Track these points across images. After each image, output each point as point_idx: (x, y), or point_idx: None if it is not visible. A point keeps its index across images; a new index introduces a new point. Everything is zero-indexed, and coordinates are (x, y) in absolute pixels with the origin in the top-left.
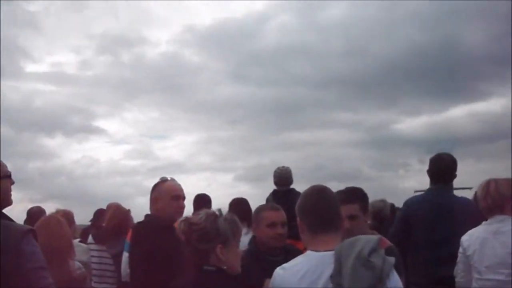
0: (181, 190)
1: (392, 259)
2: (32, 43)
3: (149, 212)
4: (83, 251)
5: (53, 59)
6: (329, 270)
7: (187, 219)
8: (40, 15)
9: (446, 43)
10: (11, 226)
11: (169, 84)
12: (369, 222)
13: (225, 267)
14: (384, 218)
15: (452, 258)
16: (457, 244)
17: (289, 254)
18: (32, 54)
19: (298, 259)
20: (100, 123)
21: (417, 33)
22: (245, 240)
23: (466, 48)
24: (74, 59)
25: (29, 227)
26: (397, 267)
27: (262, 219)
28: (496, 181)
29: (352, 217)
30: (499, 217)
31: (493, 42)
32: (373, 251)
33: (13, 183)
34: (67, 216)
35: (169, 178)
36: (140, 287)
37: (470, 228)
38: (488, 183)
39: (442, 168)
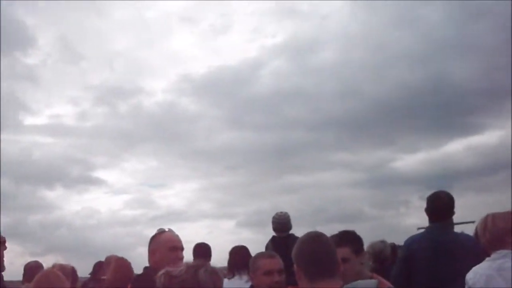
0: (179, 241)
1: None
2: (30, 96)
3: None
4: None
5: (51, 111)
6: None
7: (167, 272)
8: (38, 68)
9: (437, 79)
10: None
11: (167, 132)
12: (369, 263)
13: None
14: (385, 259)
15: None
16: (459, 282)
17: None
18: (31, 106)
19: None
20: (100, 174)
21: (408, 71)
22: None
23: (457, 83)
24: (72, 110)
25: None
26: None
27: (259, 267)
28: (493, 215)
29: (343, 260)
30: (501, 252)
31: (484, 76)
32: None
33: (5, 248)
34: (65, 270)
35: (166, 229)
36: None
37: (472, 265)
38: (486, 218)
39: (440, 207)
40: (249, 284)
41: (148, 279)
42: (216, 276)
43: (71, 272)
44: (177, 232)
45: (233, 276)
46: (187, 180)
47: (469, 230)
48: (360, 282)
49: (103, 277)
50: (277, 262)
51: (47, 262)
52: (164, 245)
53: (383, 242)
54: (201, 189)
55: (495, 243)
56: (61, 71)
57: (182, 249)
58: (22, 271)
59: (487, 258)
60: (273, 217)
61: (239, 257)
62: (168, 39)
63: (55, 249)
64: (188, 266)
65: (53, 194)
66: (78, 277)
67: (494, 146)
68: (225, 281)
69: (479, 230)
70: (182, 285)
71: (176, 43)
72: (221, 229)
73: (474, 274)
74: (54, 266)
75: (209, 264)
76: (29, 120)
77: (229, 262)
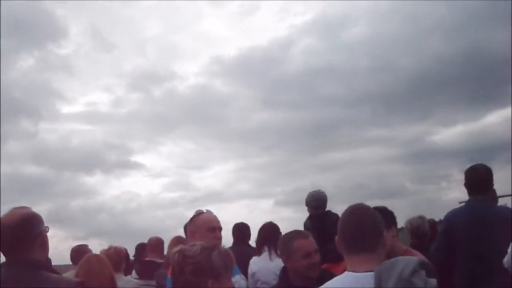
0: (217, 221)
1: (433, 281)
2: (65, 85)
3: None
4: (134, 287)
5: (87, 99)
6: None
7: (181, 250)
8: (71, 57)
9: (471, 51)
10: (61, 280)
11: (201, 115)
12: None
13: None
14: (423, 234)
15: (495, 271)
16: (498, 255)
17: (324, 281)
18: (66, 95)
19: (336, 280)
20: (137, 158)
21: (442, 44)
22: (278, 264)
23: (492, 54)
24: (107, 97)
25: (77, 280)
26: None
27: (296, 249)
28: None
29: None
30: None
31: None
32: (415, 272)
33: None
34: (120, 253)
35: (204, 210)
36: None
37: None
38: None
39: (477, 180)
40: (276, 261)
41: None
42: (229, 258)
43: (125, 255)
44: (216, 213)
45: (260, 253)
46: (224, 161)
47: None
48: (402, 258)
49: (147, 259)
50: (313, 242)
51: (91, 246)
52: (202, 226)
53: (421, 217)
54: (238, 170)
55: None
56: (94, 60)
57: (220, 229)
58: (66, 256)
59: None
60: (309, 195)
61: (267, 234)
62: (198, 23)
63: (98, 233)
64: (203, 247)
65: (93, 180)
66: (129, 258)
67: None
68: (254, 258)
69: None
70: (195, 266)
71: (206, 26)
72: (260, 208)
73: None
74: (109, 248)
75: (222, 245)
76: (66, 109)
77: (257, 239)
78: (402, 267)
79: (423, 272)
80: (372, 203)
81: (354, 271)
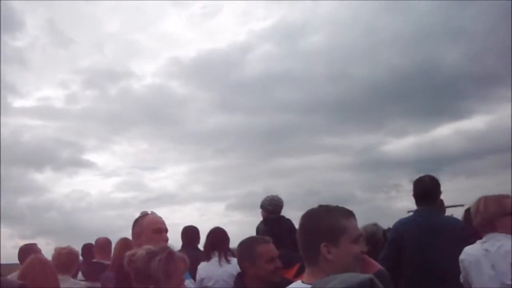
0: (163, 223)
1: None
2: (19, 79)
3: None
4: None
5: (40, 94)
6: None
7: (129, 254)
8: (26, 50)
9: (426, 64)
10: (3, 282)
11: (157, 116)
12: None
13: None
14: (377, 241)
15: (443, 278)
16: (447, 264)
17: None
18: (20, 89)
19: None
20: (90, 157)
21: (397, 56)
22: (226, 270)
23: (445, 68)
24: (62, 93)
25: (20, 282)
26: None
27: (260, 255)
28: (486, 198)
29: None
30: (490, 235)
31: (471, 61)
32: None
33: None
34: (72, 255)
35: (149, 212)
36: None
37: (460, 248)
38: (478, 201)
39: (424, 191)
40: (225, 267)
41: None
42: (172, 264)
43: (77, 257)
44: (168, 215)
45: (209, 258)
46: (178, 163)
47: (459, 213)
48: (343, 276)
49: (94, 260)
50: (274, 247)
51: (38, 245)
52: (148, 228)
53: (375, 225)
54: (192, 172)
55: (485, 226)
56: (49, 54)
57: (166, 230)
58: (11, 254)
59: (478, 241)
60: (266, 199)
61: (217, 239)
62: (159, 23)
63: (45, 232)
64: (148, 252)
65: (42, 177)
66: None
67: (482, 131)
68: (202, 264)
69: (472, 213)
70: (135, 271)
71: (167, 26)
72: (212, 211)
73: (465, 256)
74: (64, 248)
75: (171, 250)
76: (18, 103)
77: (206, 244)
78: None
79: None
80: None
81: (303, 282)
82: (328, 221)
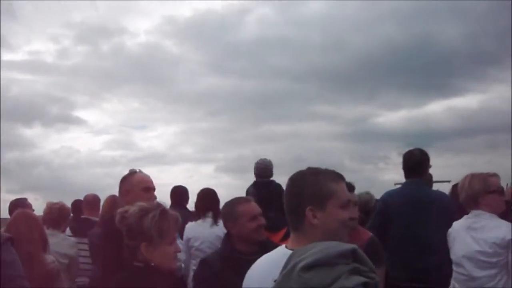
0: (151, 181)
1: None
2: (9, 31)
3: None
4: (69, 245)
5: (30, 48)
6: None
7: (121, 211)
8: (17, 2)
9: (423, 40)
10: None
11: (149, 74)
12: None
13: (153, 264)
14: (370, 210)
15: (428, 250)
16: (432, 237)
17: (267, 249)
18: (9, 42)
19: (271, 253)
20: (80, 113)
21: (395, 30)
22: (213, 232)
23: (442, 45)
24: (53, 47)
25: (6, 235)
26: (378, 259)
27: (242, 214)
28: (471, 176)
29: None
30: (475, 212)
31: (468, 40)
32: (315, 265)
33: None
34: (63, 210)
35: (137, 170)
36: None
37: (445, 221)
38: (464, 178)
39: (414, 164)
40: (215, 228)
41: None
42: (165, 221)
43: (68, 213)
44: (157, 175)
45: (198, 218)
46: (168, 123)
47: (445, 188)
48: (319, 244)
49: (82, 216)
50: (256, 206)
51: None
52: (138, 186)
53: (368, 193)
54: (182, 133)
55: (469, 203)
56: (41, 7)
57: (154, 189)
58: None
59: (464, 216)
60: (257, 162)
61: (210, 200)
62: None
63: (33, 187)
64: (140, 209)
65: (31, 132)
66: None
67: (474, 110)
68: (190, 224)
69: (458, 189)
70: (127, 228)
71: None
72: (201, 173)
73: (451, 230)
74: (56, 204)
75: (165, 208)
76: (7, 56)
77: (198, 204)
78: (304, 256)
79: (339, 268)
80: None
81: (286, 247)
82: (315, 184)
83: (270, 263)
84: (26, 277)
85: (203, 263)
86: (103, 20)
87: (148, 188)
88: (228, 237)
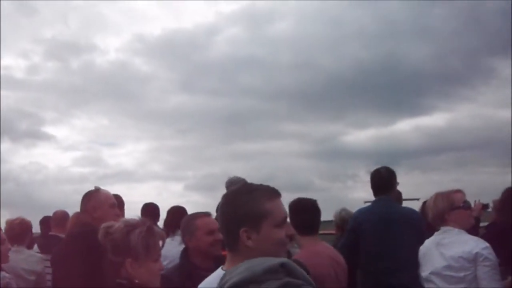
0: (114, 198)
1: None
2: None
3: None
4: (36, 261)
5: (1, 63)
6: None
7: (106, 227)
8: None
9: (390, 60)
10: None
11: (118, 92)
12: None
13: (137, 281)
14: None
15: (399, 267)
16: (404, 253)
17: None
18: None
19: (211, 275)
20: (49, 129)
21: (362, 50)
22: (181, 249)
23: (409, 65)
24: (23, 63)
25: None
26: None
27: (199, 227)
28: (436, 195)
29: None
30: (444, 229)
31: (434, 60)
32: (241, 285)
33: None
34: (24, 225)
35: (100, 187)
36: None
37: (415, 238)
38: (430, 198)
39: (381, 182)
40: (182, 245)
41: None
42: (151, 238)
43: (30, 228)
44: (126, 192)
45: (167, 236)
46: (138, 140)
47: (414, 206)
48: (246, 263)
49: (50, 233)
50: (215, 221)
51: None
52: (105, 202)
53: (344, 210)
54: (151, 150)
55: (437, 220)
56: (12, 23)
57: (117, 205)
58: None
59: (435, 233)
60: (228, 180)
61: (175, 217)
62: None
63: (2, 203)
64: (126, 224)
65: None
66: (31, 231)
67: (441, 128)
68: None
69: (426, 208)
70: (113, 243)
71: (134, 2)
72: (170, 191)
73: (422, 247)
74: (16, 219)
75: (151, 224)
76: None
77: (166, 222)
78: (230, 276)
79: (266, 285)
80: (282, 195)
81: (222, 268)
82: (248, 204)
83: (209, 285)
84: None
85: (163, 277)
86: (74, 36)
87: (114, 204)
88: (185, 251)
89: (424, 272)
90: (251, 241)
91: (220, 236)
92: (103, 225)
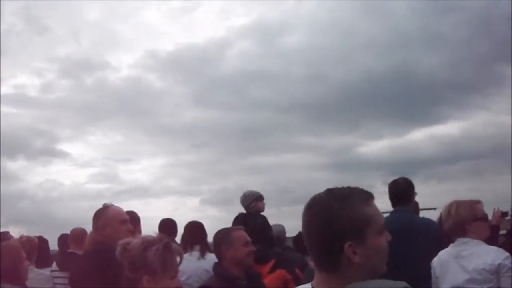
0: (125, 214)
1: None
2: None
3: None
4: (45, 280)
5: (15, 82)
6: None
7: (123, 243)
8: (2, 37)
9: (402, 69)
10: None
11: (132, 108)
12: None
13: None
14: None
15: (418, 278)
16: (419, 265)
17: (252, 277)
18: None
19: None
20: (64, 147)
21: (373, 61)
22: (200, 265)
23: (422, 74)
24: (37, 81)
25: None
26: None
27: (236, 239)
28: (457, 203)
29: None
30: (462, 240)
31: (447, 68)
32: None
33: None
34: (30, 243)
35: (109, 204)
36: None
37: (434, 249)
38: (450, 205)
39: (399, 192)
40: (202, 261)
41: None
42: (169, 254)
43: (37, 245)
44: (142, 208)
45: (185, 252)
46: (153, 156)
47: (432, 217)
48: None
49: (68, 250)
50: (246, 234)
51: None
52: (114, 219)
53: None
54: (167, 166)
55: (456, 230)
56: (25, 42)
57: (128, 221)
58: None
59: (451, 244)
60: (243, 195)
61: (194, 232)
62: (138, 14)
63: (18, 221)
64: (144, 241)
65: (15, 165)
66: (35, 248)
67: (456, 137)
68: None
69: (443, 216)
70: (130, 260)
71: (146, 18)
72: (186, 206)
73: (438, 259)
74: (21, 237)
75: (169, 241)
76: None
77: (183, 237)
78: None
79: None
80: (296, 208)
81: (312, 286)
82: (348, 213)
83: None
84: None
85: None
86: (87, 54)
87: (124, 220)
88: (219, 263)
89: (444, 285)
90: (358, 257)
91: (253, 248)
92: (121, 241)
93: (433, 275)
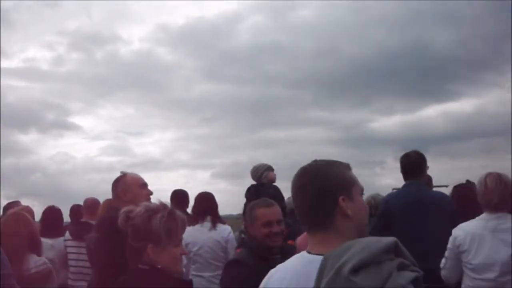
0: (144, 179)
1: (405, 278)
2: (4, 39)
3: None
4: (47, 249)
5: (26, 55)
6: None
7: (126, 211)
8: (12, 11)
9: (415, 46)
10: None
11: (143, 81)
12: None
13: (159, 266)
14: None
15: (432, 251)
16: (434, 237)
17: (286, 253)
18: (5, 49)
19: (288, 261)
20: (75, 119)
21: (386, 36)
22: (211, 236)
23: (435, 51)
24: (48, 55)
25: None
26: None
27: (256, 217)
28: (499, 175)
29: None
30: (496, 214)
31: (460, 46)
32: (359, 268)
33: None
34: (29, 213)
35: (127, 172)
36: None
37: (445, 223)
38: (489, 178)
39: (411, 165)
40: (213, 232)
41: None
42: (173, 222)
43: (33, 215)
44: (153, 180)
45: (196, 223)
46: (164, 129)
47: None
48: (362, 241)
49: (82, 220)
50: (276, 212)
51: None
52: (134, 184)
53: (379, 194)
54: (177, 139)
55: (498, 203)
56: (36, 15)
57: (147, 185)
58: None
59: (478, 217)
60: (254, 167)
61: (205, 204)
62: None
63: (30, 193)
64: (147, 209)
65: (27, 138)
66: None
67: (469, 114)
68: (188, 228)
69: (479, 188)
70: (133, 229)
71: None
72: (197, 179)
73: (464, 233)
74: (22, 208)
75: (173, 209)
76: (3, 63)
77: (194, 208)
78: (349, 256)
79: (388, 265)
80: None
81: (309, 252)
82: (337, 172)
83: (291, 273)
84: (14, 276)
85: (238, 263)
86: (97, 28)
87: (144, 184)
88: (248, 235)
89: (477, 260)
90: (350, 210)
91: (278, 229)
92: (123, 209)
93: (454, 249)
